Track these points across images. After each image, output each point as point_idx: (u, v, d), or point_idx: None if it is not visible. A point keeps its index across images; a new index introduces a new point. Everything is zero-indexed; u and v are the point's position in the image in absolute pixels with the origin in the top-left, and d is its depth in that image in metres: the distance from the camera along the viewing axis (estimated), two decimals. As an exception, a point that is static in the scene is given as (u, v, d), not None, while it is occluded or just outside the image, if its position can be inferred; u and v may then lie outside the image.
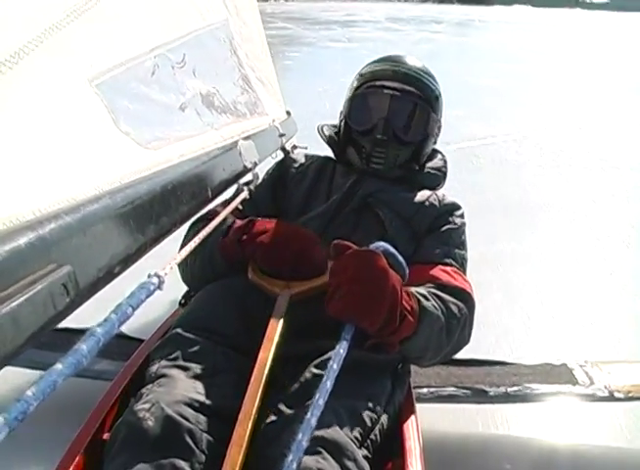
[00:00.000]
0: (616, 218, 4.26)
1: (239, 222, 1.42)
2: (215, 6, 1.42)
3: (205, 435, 1.04)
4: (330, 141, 1.82)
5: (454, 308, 1.33)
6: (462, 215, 1.66)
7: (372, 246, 1.23)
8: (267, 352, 1.09)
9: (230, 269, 1.40)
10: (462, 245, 1.58)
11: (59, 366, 0.57)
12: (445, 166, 1.83)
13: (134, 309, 0.69)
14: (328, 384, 0.93)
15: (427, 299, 1.28)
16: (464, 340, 1.41)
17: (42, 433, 1.72)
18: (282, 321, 1.17)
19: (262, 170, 1.47)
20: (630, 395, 1.90)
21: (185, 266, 1.50)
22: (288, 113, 2.09)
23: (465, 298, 1.40)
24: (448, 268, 1.46)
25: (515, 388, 1.94)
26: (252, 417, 0.96)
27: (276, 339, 1.12)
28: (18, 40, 0.69)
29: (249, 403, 0.99)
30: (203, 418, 1.06)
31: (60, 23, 0.79)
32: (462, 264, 1.52)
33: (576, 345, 2.62)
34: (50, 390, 0.55)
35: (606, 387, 1.93)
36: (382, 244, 1.25)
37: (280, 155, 1.88)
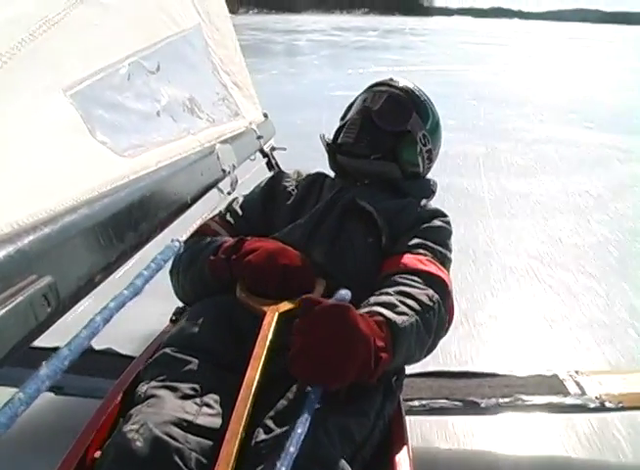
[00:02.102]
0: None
1: (228, 241, 1.43)
2: (187, 12, 1.42)
3: (193, 454, 1.04)
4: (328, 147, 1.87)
5: (424, 299, 1.31)
6: (447, 222, 1.65)
7: (336, 295, 1.21)
8: (255, 371, 1.08)
9: (220, 286, 1.41)
10: (443, 244, 1.55)
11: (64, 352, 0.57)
12: (435, 187, 1.86)
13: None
14: (291, 449, 0.93)
15: (395, 307, 1.26)
16: (444, 325, 1.39)
17: (31, 451, 1.72)
18: (269, 339, 1.17)
19: (241, 173, 1.48)
20: (621, 404, 1.91)
21: (177, 283, 1.51)
22: (265, 115, 2.09)
23: (435, 282, 1.38)
24: (421, 257, 1.45)
25: (506, 399, 1.95)
26: (240, 436, 0.96)
27: (263, 357, 1.12)
28: (-9, 53, 0.69)
29: (236, 422, 0.99)
30: (191, 438, 1.06)
31: (33, 34, 0.79)
32: (442, 262, 1.50)
33: (567, 355, 2.64)
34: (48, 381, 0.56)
35: (597, 397, 1.94)
36: (341, 292, 1.23)
37: (259, 156, 1.89)
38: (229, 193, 1.30)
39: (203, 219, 1.15)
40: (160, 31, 1.23)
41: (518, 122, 8.19)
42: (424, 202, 1.71)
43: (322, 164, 1.85)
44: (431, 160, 1.85)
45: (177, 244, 0.90)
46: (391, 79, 1.87)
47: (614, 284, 3.28)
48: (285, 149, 2.24)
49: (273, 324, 1.21)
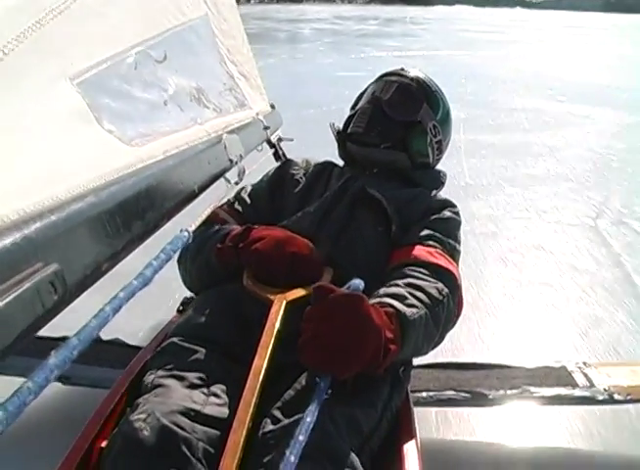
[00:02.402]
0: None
1: (235, 229, 1.43)
2: (195, 2, 1.41)
3: (201, 444, 1.04)
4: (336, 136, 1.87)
5: (434, 292, 1.31)
6: (456, 213, 1.65)
7: (351, 285, 1.22)
8: (262, 360, 1.08)
9: (227, 274, 1.41)
10: (452, 236, 1.55)
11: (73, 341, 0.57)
12: (444, 178, 1.85)
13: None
14: (301, 438, 0.92)
15: (405, 299, 1.26)
16: (452, 318, 1.39)
17: (39, 441, 1.72)
18: (276, 328, 1.17)
19: (248, 164, 1.47)
20: (630, 396, 1.90)
21: (184, 271, 1.52)
22: (272, 106, 2.09)
23: (444, 275, 1.38)
24: (431, 249, 1.45)
25: (514, 390, 1.94)
26: (247, 425, 0.96)
27: (271, 346, 1.12)
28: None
29: (243, 412, 0.99)
30: (199, 427, 1.06)
31: (40, 22, 0.79)
32: (451, 254, 1.49)
33: (575, 347, 2.64)
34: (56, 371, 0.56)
35: (605, 389, 1.93)
36: (355, 282, 1.23)
37: (266, 147, 1.88)
38: (236, 183, 1.30)
39: (210, 209, 1.14)
40: (167, 21, 1.22)
41: (498, 96, 9.75)
42: (434, 192, 1.71)
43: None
44: (440, 151, 1.85)
45: (186, 234, 0.90)
46: (402, 69, 1.87)
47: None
48: (292, 140, 2.24)
49: (281, 312, 1.21)
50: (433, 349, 1.38)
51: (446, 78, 7.26)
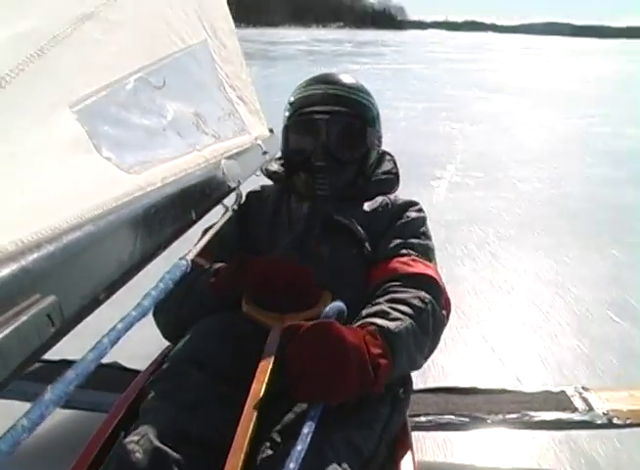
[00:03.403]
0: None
1: (224, 265, 1.44)
2: (194, 28, 1.42)
3: (193, 465, 1.04)
4: (274, 176, 1.82)
5: (417, 302, 1.32)
6: (419, 210, 1.67)
7: (325, 311, 1.22)
8: (260, 385, 1.09)
9: (220, 310, 1.41)
10: (422, 235, 1.58)
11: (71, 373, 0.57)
12: (395, 167, 1.84)
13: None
14: (291, 466, 0.92)
15: (387, 315, 1.27)
16: (441, 322, 1.40)
17: (36, 465, 1.71)
18: (274, 353, 1.17)
19: (247, 188, 1.48)
20: (629, 421, 1.91)
21: (168, 320, 1.50)
22: (271, 130, 2.09)
23: (425, 282, 1.40)
24: (406, 258, 1.46)
25: (513, 415, 1.95)
26: (245, 449, 0.96)
27: (269, 371, 1.12)
28: (2, 67, 0.69)
29: (241, 436, 0.99)
30: (191, 449, 1.06)
31: (42, 50, 0.79)
32: (425, 253, 1.51)
33: (574, 372, 2.64)
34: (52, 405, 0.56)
35: (604, 413, 1.93)
36: (334, 305, 1.24)
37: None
38: (234, 209, 1.30)
39: (209, 236, 1.14)
40: (166, 47, 1.23)
41: (436, 90, 15.09)
42: (392, 196, 1.71)
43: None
44: (380, 139, 1.83)
45: (184, 262, 0.90)
46: (324, 90, 1.77)
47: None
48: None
49: (278, 337, 1.21)
50: (429, 356, 1.38)
51: (400, 80, 16.26)
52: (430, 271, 1.44)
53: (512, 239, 4.57)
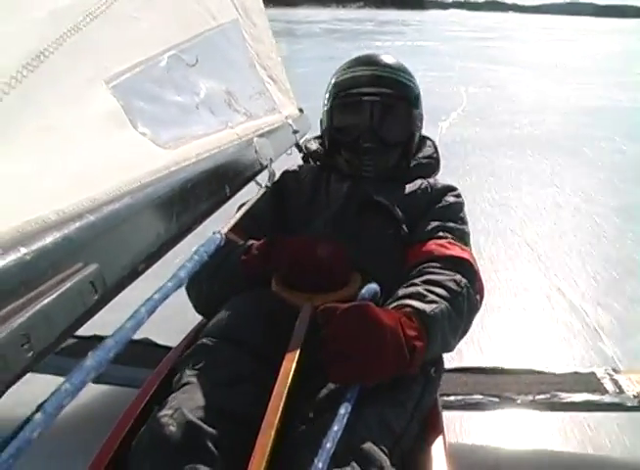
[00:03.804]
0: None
1: (256, 243, 1.45)
2: (225, 7, 1.42)
3: (226, 441, 1.04)
4: (316, 155, 1.83)
5: (452, 285, 1.32)
6: (458, 195, 1.67)
7: (361, 293, 1.23)
8: (291, 363, 1.09)
9: (251, 287, 1.42)
10: (459, 220, 1.58)
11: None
12: (436, 152, 1.85)
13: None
14: (328, 446, 0.93)
15: (424, 297, 1.26)
16: (475, 306, 1.39)
17: (70, 440, 1.74)
18: (304, 332, 1.17)
19: (278, 168, 1.48)
20: None
21: (199, 294, 1.51)
22: (300, 110, 2.09)
23: (461, 265, 1.39)
24: (443, 241, 1.46)
25: (543, 396, 1.93)
26: (275, 427, 0.97)
27: (299, 350, 1.13)
28: (40, 43, 0.70)
29: (272, 413, 0.99)
30: (225, 424, 1.06)
31: (77, 26, 0.80)
32: (461, 238, 1.51)
33: (605, 353, 2.62)
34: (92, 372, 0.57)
35: (635, 396, 1.91)
36: (369, 287, 1.25)
37: (295, 151, 1.89)
38: (267, 187, 1.30)
39: (242, 212, 1.14)
40: (198, 25, 1.24)
41: (443, 61, 16.50)
42: (432, 181, 1.71)
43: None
44: (422, 121, 1.84)
45: (219, 236, 0.91)
46: (373, 63, 1.77)
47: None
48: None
49: (309, 317, 1.21)
50: (461, 339, 1.38)
51: (418, 55, 16.87)
52: (466, 255, 1.44)
53: (490, 149, 6.80)
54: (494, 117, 8.90)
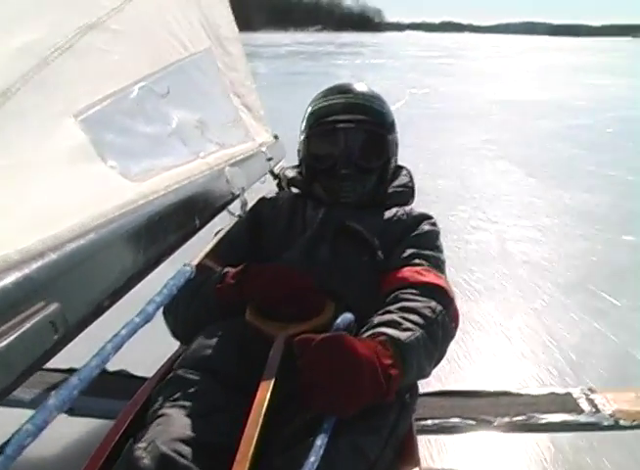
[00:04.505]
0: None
1: (231, 270, 1.44)
2: (197, 36, 1.43)
3: None
4: (294, 183, 1.84)
5: (427, 312, 1.32)
6: (433, 224, 1.68)
7: (336, 323, 1.23)
8: (265, 393, 1.08)
9: (224, 314, 1.41)
10: (435, 248, 1.58)
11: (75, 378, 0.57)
12: (411, 181, 1.86)
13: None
14: (312, 458, 0.93)
15: (399, 325, 1.26)
16: (450, 333, 1.39)
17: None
18: (278, 362, 1.17)
19: (251, 197, 1.49)
20: (636, 422, 1.90)
21: (175, 320, 1.51)
22: (275, 137, 2.10)
23: (436, 291, 1.39)
24: (418, 268, 1.46)
25: (519, 417, 1.94)
26: (250, 458, 0.96)
27: (273, 380, 1.12)
28: (6, 79, 0.70)
29: (246, 443, 0.98)
30: (199, 455, 1.06)
31: (46, 60, 0.80)
32: (437, 265, 1.51)
33: (580, 373, 2.65)
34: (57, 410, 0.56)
35: (611, 415, 1.92)
36: (344, 317, 1.25)
37: (269, 179, 1.90)
38: (239, 216, 1.31)
39: (212, 243, 1.15)
40: (169, 56, 1.24)
41: (409, 75, 20.09)
42: (408, 208, 1.72)
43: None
44: (397, 146, 1.86)
45: (189, 268, 0.91)
46: (344, 100, 1.78)
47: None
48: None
49: (282, 346, 1.21)
50: (436, 365, 1.38)
51: (376, 70, 22.29)
52: (441, 282, 1.44)
53: (418, 118, 10.40)
54: (424, 104, 13.26)
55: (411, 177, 1.88)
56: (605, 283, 3.64)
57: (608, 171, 6.93)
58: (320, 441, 1.01)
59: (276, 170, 1.98)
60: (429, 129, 9.72)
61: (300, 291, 1.36)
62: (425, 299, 1.36)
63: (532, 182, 6.52)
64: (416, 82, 17.68)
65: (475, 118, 11.23)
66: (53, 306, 0.59)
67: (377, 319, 1.31)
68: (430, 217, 1.70)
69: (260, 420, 1.03)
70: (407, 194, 1.83)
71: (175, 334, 1.56)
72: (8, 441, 0.54)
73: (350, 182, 1.70)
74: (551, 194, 5.94)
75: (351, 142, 1.71)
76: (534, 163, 7.44)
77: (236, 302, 1.40)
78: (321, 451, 0.98)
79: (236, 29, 1.88)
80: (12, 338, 0.52)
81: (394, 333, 1.23)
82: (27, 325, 0.54)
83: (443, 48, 44.91)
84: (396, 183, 1.83)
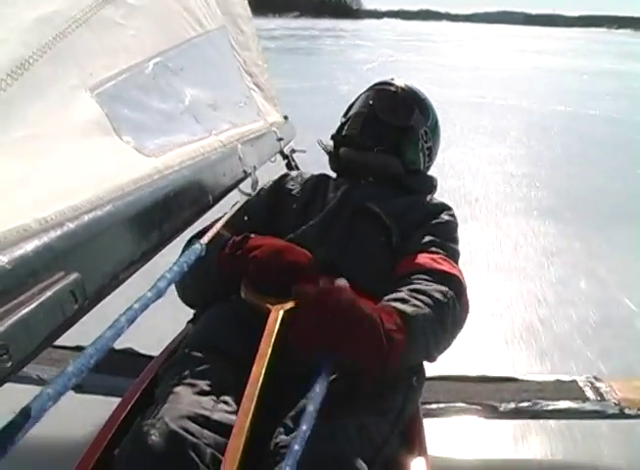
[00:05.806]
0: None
1: (235, 238, 1.44)
2: (212, 14, 1.43)
3: (209, 449, 1.04)
4: (327, 148, 1.88)
5: (439, 296, 1.31)
6: (452, 215, 1.68)
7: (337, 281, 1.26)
8: (260, 369, 1.08)
9: (224, 283, 1.41)
10: (452, 239, 1.58)
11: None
12: (436, 182, 1.89)
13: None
14: (296, 448, 0.93)
15: (406, 302, 1.27)
16: (459, 321, 1.39)
17: (52, 449, 1.73)
18: (274, 337, 1.16)
19: (261, 175, 1.49)
20: None
21: (181, 284, 1.51)
22: (285, 117, 2.10)
23: (450, 280, 1.39)
24: (434, 256, 1.46)
25: (525, 403, 1.95)
26: (246, 432, 0.96)
27: (268, 355, 1.12)
28: (24, 51, 0.70)
29: (242, 419, 0.99)
30: (207, 433, 1.06)
31: (63, 33, 0.80)
32: (452, 256, 1.51)
33: (587, 361, 2.66)
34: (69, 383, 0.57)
35: (616, 403, 1.93)
36: (342, 282, 1.27)
37: (279, 158, 1.90)
38: (249, 194, 1.30)
39: (224, 221, 1.14)
40: (184, 32, 1.24)
41: (384, 51, 25.26)
42: (429, 197, 1.73)
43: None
44: (430, 157, 1.89)
45: (199, 246, 0.91)
46: (392, 79, 1.91)
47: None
48: (305, 151, 2.25)
49: (278, 322, 1.20)
50: (443, 352, 1.38)
51: (355, 50, 27.89)
52: (455, 271, 1.44)
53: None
54: (390, 67, 17.24)
55: (436, 182, 1.91)
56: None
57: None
58: (312, 407, 1.00)
59: (285, 151, 1.98)
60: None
61: (294, 267, 1.35)
62: (437, 284, 1.36)
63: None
64: (389, 59, 21.77)
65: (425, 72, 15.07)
66: (73, 276, 0.59)
67: (387, 297, 1.31)
68: (450, 208, 1.70)
69: (256, 395, 1.03)
70: (429, 186, 1.85)
71: (183, 299, 1.57)
72: (29, 404, 0.54)
73: (361, 120, 1.79)
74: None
75: (379, 96, 1.83)
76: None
77: (233, 272, 1.39)
78: (311, 424, 0.98)
79: (248, 8, 1.87)
80: (33, 306, 0.53)
81: (401, 306, 1.24)
82: (49, 293, 0.55)
83: (415, 34, 49.24)
84: (422, 177, 1.86)
